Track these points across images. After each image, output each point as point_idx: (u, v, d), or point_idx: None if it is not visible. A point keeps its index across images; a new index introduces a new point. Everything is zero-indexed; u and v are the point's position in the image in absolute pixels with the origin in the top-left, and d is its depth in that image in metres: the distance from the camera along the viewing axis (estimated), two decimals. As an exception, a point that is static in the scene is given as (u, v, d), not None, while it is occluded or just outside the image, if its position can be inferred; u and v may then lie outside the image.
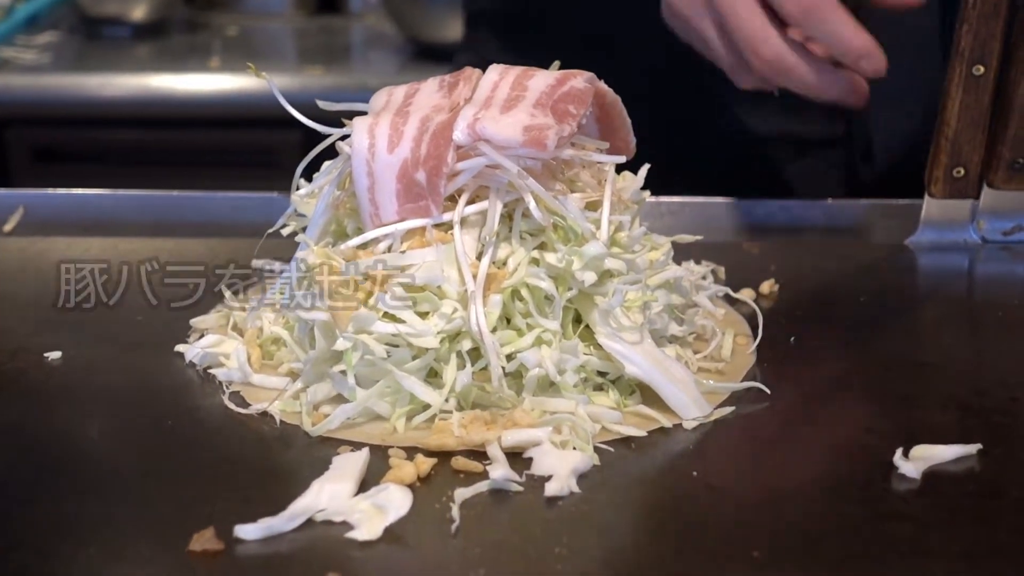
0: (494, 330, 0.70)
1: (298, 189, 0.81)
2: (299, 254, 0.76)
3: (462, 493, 0.62)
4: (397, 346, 0.70)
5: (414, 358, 0.70)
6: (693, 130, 1.22)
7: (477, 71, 0.81)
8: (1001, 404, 0.74)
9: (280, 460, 0.68)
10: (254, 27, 2.46)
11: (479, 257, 0.72)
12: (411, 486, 0.64)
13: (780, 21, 0.90)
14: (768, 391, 0.74)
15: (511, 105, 0.75)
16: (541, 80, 0.78)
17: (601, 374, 0.73)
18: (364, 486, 0.63)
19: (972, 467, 0.67)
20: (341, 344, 0.70)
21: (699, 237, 0.86)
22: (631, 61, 1.17)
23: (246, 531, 0.59)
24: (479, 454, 0.67)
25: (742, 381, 0.76)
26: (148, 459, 0.68)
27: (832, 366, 0.79)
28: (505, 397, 0.70)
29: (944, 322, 0.89)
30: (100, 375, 0.78)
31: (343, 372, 0.70)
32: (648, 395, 0.72)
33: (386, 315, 0.70)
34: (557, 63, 0.82)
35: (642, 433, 0.70)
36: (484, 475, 0.64)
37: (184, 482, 0.65)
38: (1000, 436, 0.70)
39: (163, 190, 1.09)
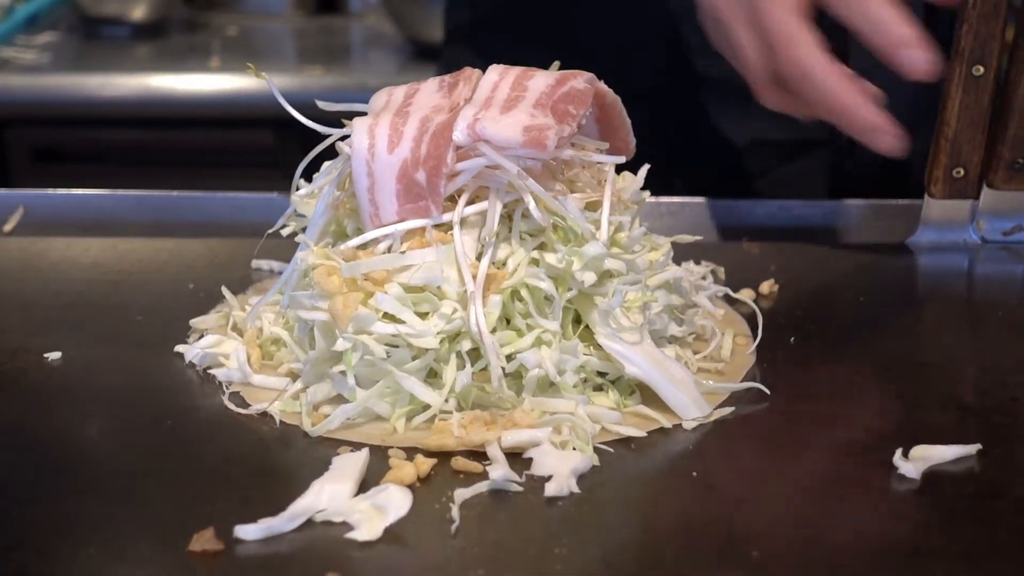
0: (494, 330, 0.70)
1: (298, 189, 0.81)
2: (299, 254, 0.76)
3: (462, 493, 0.62)
4: (397, 346, 0.70)
5: (414, 358, 0.70)
6: (693, 130, 1.22)
7: (477, 71, 0.81)
8: (1001, 404, 0.74)
9: (280, 460, 0.68)
10: (254, 27, 2.46)
11: (479, 257, 0.72)
12: (411, 486, 0.64)
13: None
14: (768, 391, 0.74)
15: (511, 105, 0.75)
16: (541, 80, 0.78)
17: (601, 374, 0.73)
18: (364, 486, 0.63)
19: (972, 467, 0.67)
20: (341, 344, 0.70)
21: (699, 237, 0.86)
22: (630, 64, 1.17)
23: (246, 531, 0.59)
24: (479, 454, 0.67)
25: (742, 381, 0.76)
26: (148, 459, 0.68)
27: (832, 366, 0.79)
28: (505, 397, 0.70)
29: (944, 322, 0.89)
30: (100, 375, 0.78)
31: (343, 372, 0.70)
32: (648, 395, 0.72)
33: (386, 315, 0.70)
34: (557, 63, 0.82)
35: (642, 433, 0.70)
36: (484, 475, 0.64)
37: (184, 482, 0.65)
38: (1000, 436, 0.70)
39: (163, 190, 1.09)
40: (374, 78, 1.99)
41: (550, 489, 0.63)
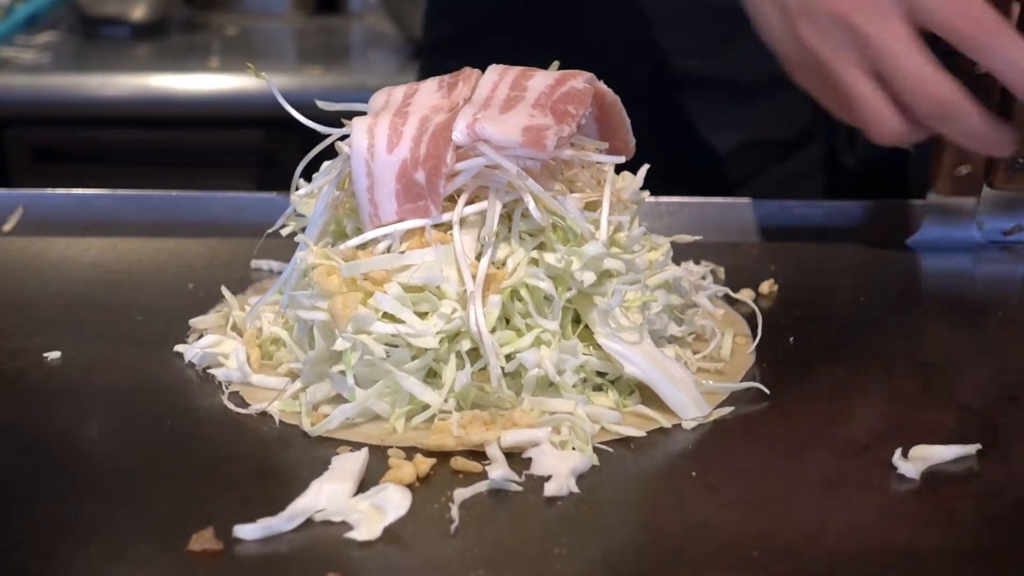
0: (493, 330, 0.70)
1: (297, 189, 0.81)
2: (298, 254, 0.76)
3: (461, 493, 0.62)
4: (396, 346, 0.70)
5: (413, 358, 0.70)
6: (693, 130, 1.22)
7: (476, 71, 0.81)
8: (1001, 404, 0.74)
9: (279, 460, 0.68)
10: (254, 27, 2.46)
11: (478, 257, 0.72)
12: (410, 486, 0.64)
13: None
14: (767, 391, 0.74)
15: (510, 105, 0.75)
16: (540, 80, 0.78)
17: (600, 374, 0.73)
18: (363, 486, 0.63)
19: (972, 467, 0.67)
20: (340, 344, 0.70)
21: (698, 237, 0.86)
22: (630, 64, 1.17)
23: (245, 531, 0.59)
24: (478, 454, 0.67)
25: (741, 381, 0.76)
26: (148, 459, 0.68)
27: (832, 366, 0.79)
28: (504, 397, 0.70)
29: (944, 322, 0.89)
30: (100, 375, 0.78)
31: (342, 372, 0.70)
32: (647, 395, 0.72)
33: (385, 315, 0.70)
34: (556, 63, 0.82)
35: (641, 433, 0.70)
36: (483, 475, 0.64)
37: (184, 482, 0.65)
38: (1000, 436, 0.70)
39: (163, 190, 1.09)
40: (374, 78, 1.98)
41: (549, 489, 0.63)
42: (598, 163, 0.78)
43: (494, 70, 0.80)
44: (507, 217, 0.74)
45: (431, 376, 0.71)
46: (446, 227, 0.73)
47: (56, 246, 0.99)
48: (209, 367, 0.78)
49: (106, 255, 0.97)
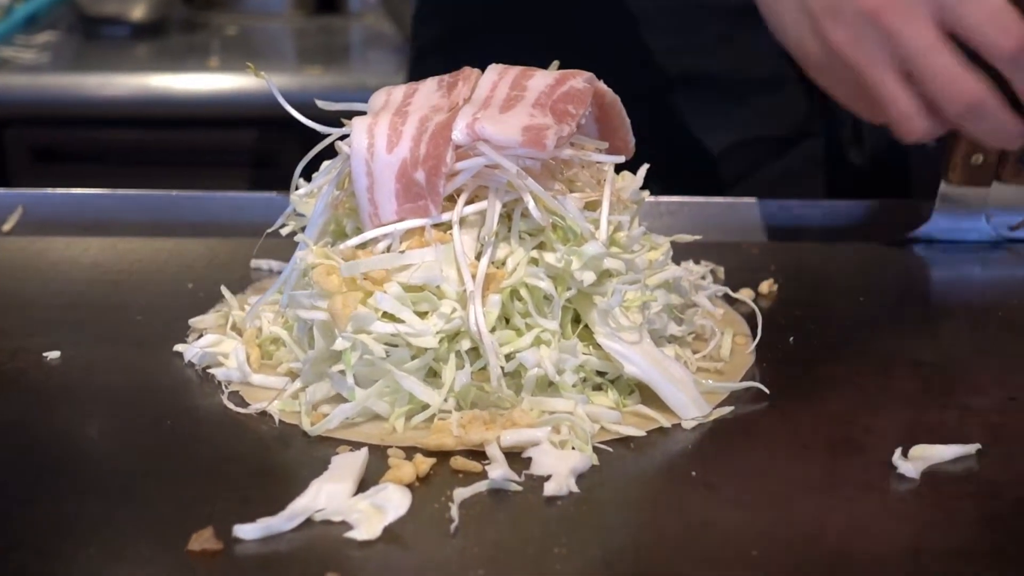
0: (493, 330, 0.70)
1: (297, 189, 0.81)
2: (298, 254, 0.76)
3: (461, 493, 0.62)
4: (396, 346, 0.70)
5: (413, 358, 0.70)
6: (693, 130, 1.22)
7: (476, 71, 0.80)
8: (1001, 404, 0.74)
9: (279, 460, 0.68)
10: (253, 27, 2.46)
11: (478, 257, 0.72)
12: (410, 486, 0.64)
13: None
14: (767, 391, 0.74)
15: (510, 105, 0.75)
16: (540, 80, 0.78)
17: (600, 374, 0.73)
18: (363, 486, 0.63)
19: (971, 467, 0.67)
20: (340, 344, 0.70)
21: (698, 237, 0.86)
22: (630, 64, 1.17)
23: (245, 531, 0.59)
24: (478, 454, 0.67)
25: (741, 381, 0.76)
26: (148, 459, 0.68)
27: (832, 366, 0.79)
28: (504, 397, 0.70)
29: (944, 322, 0.89)
30: (100, 375, 0.78)
31: (342, 372, 0.70)
32: (647, 395, 0.72)
33: (385, 315, 0.70)
34: (556, 63, 0.82)
35: (641, 433, 0.70)
36: (483, 475, 0.64)
37: (183, 482, 0.65)
38: (1000, 436, 0.70)
39: (162, 190, 1.09)
40: (373, 78, 1.99)
41: (549, 489, 0.63)
42: (598, 163, 0.78)
43: (494, 70, 0.80)
44: (507, 217, 0.74)
45: (431, 376, 0.71)
46: (446, 227, 0.73)
47: (56, 246, 0.99)
48: (209, 367, 0.77)
49: (106, 255, 0.97)
